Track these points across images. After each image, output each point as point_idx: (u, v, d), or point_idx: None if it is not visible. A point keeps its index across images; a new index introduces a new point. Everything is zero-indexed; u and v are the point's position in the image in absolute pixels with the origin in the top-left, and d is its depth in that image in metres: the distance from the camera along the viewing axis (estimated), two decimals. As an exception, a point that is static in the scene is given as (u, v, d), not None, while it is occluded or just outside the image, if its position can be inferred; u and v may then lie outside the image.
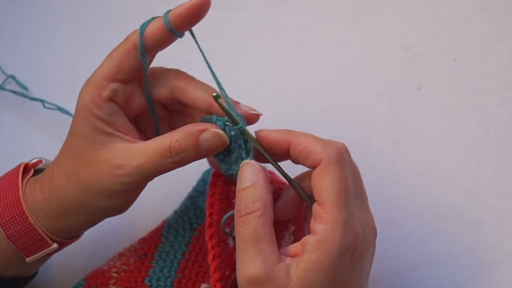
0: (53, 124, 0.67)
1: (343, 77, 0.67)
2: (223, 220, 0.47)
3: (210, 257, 0.46)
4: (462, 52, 0.66)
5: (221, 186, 0.48)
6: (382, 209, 0.61)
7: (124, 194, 0.48)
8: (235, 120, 0.46)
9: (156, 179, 0.48)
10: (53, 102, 0.67)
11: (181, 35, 0.47)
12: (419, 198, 0.62)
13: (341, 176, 0.43)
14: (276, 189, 0.49)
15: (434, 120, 0.65)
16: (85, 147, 0.47)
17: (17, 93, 0.67)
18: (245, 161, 0.46)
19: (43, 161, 0.53)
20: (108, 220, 0.51)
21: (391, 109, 0.66)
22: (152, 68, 0.49)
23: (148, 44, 0.46)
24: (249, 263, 0.42)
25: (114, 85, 0.47)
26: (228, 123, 0.46)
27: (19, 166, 0.52)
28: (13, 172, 0.51)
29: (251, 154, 0.47)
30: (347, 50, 0.68)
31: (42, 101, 0.67)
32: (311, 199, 0.45)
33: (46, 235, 0.50)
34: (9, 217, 0.49)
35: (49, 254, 0.52)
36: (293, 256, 0.42)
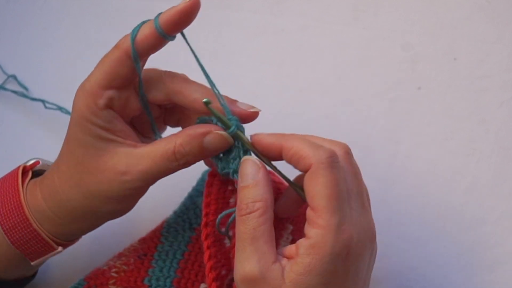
0: (54, 124, 0.67)
1: (343, 77, 0.67)
2: (217, 219, 0.47)
3: (205, 257, 0.46)
4: (462, 52, 0.66)
5: (217, 186, 0.48)
6: (382, 209, 0.61)
7: (130, 198, 0.49)
8: (227, 125, 0.46)
9: (156, 179, 0.48)
10: (53, 102, 0.67)
11: (172, 38, 0.46)
12: (419, 198, 0.62)
13: (332, 180, 0.42)
14: (275, 189, 0.49)
15: (434, 120, 0.65)
16: (87, 156, 0.47)
17: (18, 93, 0.68)
18: (246, 157, 0.46)
19: (40, 162, 0.53)
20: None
21: (391, 109, 0.66)
22: (146, 70, 0.49)
23: (140, 50, 0.46)
24: (245, 261, 0.42)
25: (109, 93, 0.46)
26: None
27: (17, 169, 0.52)
28: (12, 176, 0.51)
29: (249, 152, 0.47)
30: (347, 50, 0.68)
31: (43, 101, 0.67)
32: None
33: (50, 239, 0.50)
34: (13, 223, 0.49)
35: None
36: (288, 257, 0.42)
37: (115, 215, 0.50)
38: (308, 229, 0.42)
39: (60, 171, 0.49)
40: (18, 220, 0.49)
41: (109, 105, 0.47)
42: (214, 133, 0.46)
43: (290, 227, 0.51)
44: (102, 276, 0.53)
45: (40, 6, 0.71)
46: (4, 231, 0.49)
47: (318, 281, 0.41)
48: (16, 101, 0.68)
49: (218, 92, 0.47)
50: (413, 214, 0.62)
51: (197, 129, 0.47)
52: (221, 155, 0.48)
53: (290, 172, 0.47)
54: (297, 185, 0.47)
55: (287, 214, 0.50)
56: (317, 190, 0.42)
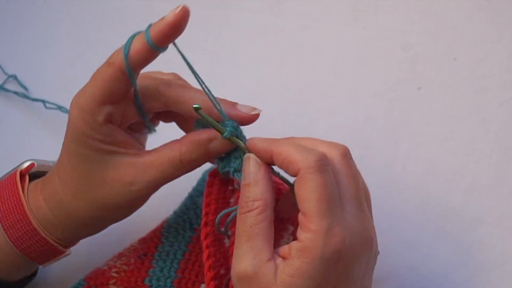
0: (54, 124, 0.67)
1: (343, 77, 0.67)
2: (217, 218, 0.47)
3: (204, 256, 0.47)
4: (462, 52, 0.66)
5: (217, 186, 0.49)
6: (382, 209, 0.61)
7: (138, 204, 0.50)
8: (220, 130, 0.46)
9: (156, 179, 0.48)
10: (53, 102, 0.67)
11: (165, 49, 0.45)
12: (419, 198, 0.62)
13: (320, 184, 0.41)
14: (276, 189, 0.49)
15: (434, 120, 0.65)
16: (92, 170, 0.47)
17: (19, 94, 0.68)
18: (248, 155, 0.46)
19: (35, 163, 0.53)
20: (108, 221, 0.52)
21: (391, 109, 0.66)
22: (142, 80, 0.48)
23: (134, 65, 0.45)
24: (241, 258, 0.42)
25: (107, 108, 0.46)
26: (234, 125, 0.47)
27: (14, 176, 0.51)
28: (11, 183, 0.51)
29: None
30: (347, 50, 0.68)
31: (44, 101, 0.67)
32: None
33: (58, 243, 0.51)
34: (20, 233, 0.49)
35: None
36: (283, 257, 0.42)
37: (120, 219, 0.51)
38: (300, 233, 0.42)
39: (64, 184, 0.49)
40: (26, 230, 0.49)
41: (108, 120, 0.47)
42: (221, 140, 0.47)
43: (291, 228, 0.51)
44: (102, 276, 0.53)
45: (40, 6, 0.71)
46: (12, 241, 0.50)
47: (310, 283, 0.41)
48: (16, 101, 0.68)
49: (214, 98, 0.46)
50: (413, 214, 0.62)
51: (202, 136, 0.47)
52: (223, 154, 0.48)
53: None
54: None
55: (288, 214, 0.50)
56: (306, 194, 0.42)
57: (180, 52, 0.45)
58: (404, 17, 0.68)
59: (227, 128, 0.46)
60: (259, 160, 0.45)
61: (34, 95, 0.68)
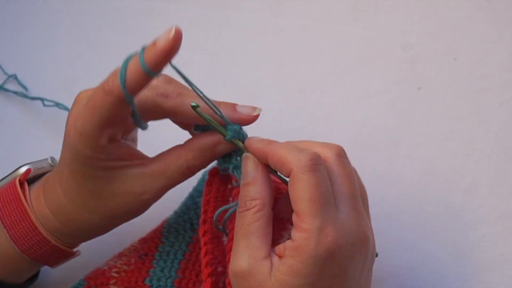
0: (54, 124, 0.67)
1: (343, 77, 0.67)
2: (215, 215, 0.48)
3: (202, 253, 0.47)
4: (462, 52, 0.66)
5: (217, 185, 0.50)
6: (382, 209, 0.61)
7: (146, 209, 0.51)
8: (223, 133, 0.46)
9: (156, 179, 0.48)
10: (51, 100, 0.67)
11: (159, 72, 0.44)
12: (419, 198, 0.62)
13: (312, 183, 0.41)
14: (276, 189, 0.49)
15: (434, 120, 0.65)
16: (99, 186, 0.48)
17: (19, 94, 0.68)
18: (246, 154, 0.46)
19: (32, 168, 0.53)
20: (108, 221, 0.52)
21: (391, 109, 0.66)
22: (138, 97, 0.47)
23: (132, 92, 0.44)
24: (237, 255, 0.43)
25: (109, 131, 0.46)
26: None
27: (13, 184, 0.51)
28: (12, 193, 0.51)
29: None
30: (347, 50, 0.68)
31: (42, 99, 0.67)
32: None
33: (66, 247, 0.52)
34: (30, 243, 0.50)
35: None
36: (278, 256, 0.43)
37: (125, 222, 0.52)
38: (293, 232, 0.42)
39: (71, 199, 0.49)
40: (36, 240, 0.50)
41: (111, 140, 0.47)
42: (226, 144, 0.47)
43: (291, 228, 0.51)
44: (102, 276, 0.53)
45: (40, 6, 0.71)
46: (23, 251, 0.50)
47: (303, 282, 0.41)
48: (16, 101, 0.68)
49: (214, 105, 0.46)
50: (413, 214, 0.62)
51: (208, 141, 0.48)
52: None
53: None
54: None
55: (288, 214, 0.50)
56: (298, 194, 0.42)
57: (173, 66, 0.44)
58: (404, 17, 0.68)
59: (229, 133, 0.47)
60: (257, 160, 0.46)
61: (34, 95, 0.68)
